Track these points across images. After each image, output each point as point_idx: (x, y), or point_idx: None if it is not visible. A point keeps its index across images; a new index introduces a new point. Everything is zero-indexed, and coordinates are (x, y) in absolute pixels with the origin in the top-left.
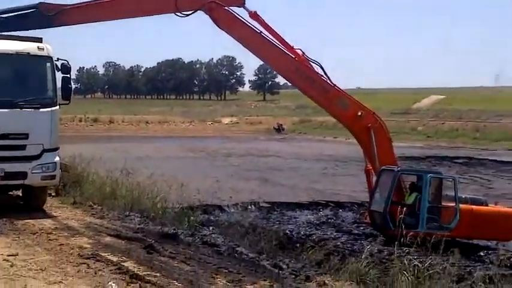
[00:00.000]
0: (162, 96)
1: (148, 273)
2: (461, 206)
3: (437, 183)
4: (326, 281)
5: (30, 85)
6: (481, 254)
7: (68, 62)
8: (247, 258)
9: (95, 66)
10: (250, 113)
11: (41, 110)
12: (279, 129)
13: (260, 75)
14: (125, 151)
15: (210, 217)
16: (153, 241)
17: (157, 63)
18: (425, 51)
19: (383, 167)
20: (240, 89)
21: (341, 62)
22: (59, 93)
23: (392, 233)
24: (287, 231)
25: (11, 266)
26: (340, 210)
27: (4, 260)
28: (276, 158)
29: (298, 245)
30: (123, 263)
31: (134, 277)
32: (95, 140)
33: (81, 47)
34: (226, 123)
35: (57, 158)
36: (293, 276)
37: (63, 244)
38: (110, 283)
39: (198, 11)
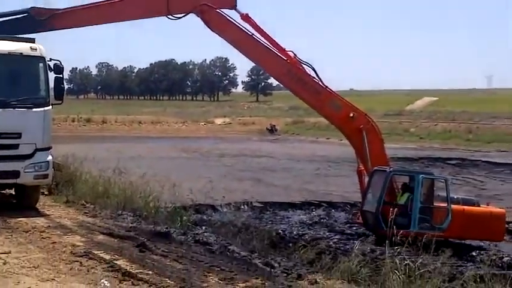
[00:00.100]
0: (155, 97)
1: (141, 271)
2: (453, 206)
3: (429, 184)
4: (317, 280)
5: (23, 85)
6: (473, 254)
7: (60, 62)
8: (239, 256)
9: (88, 66)
10: (243, 113)
11: (34, 109)
12: (272, 130)
13: (253, 77)
14: (118, 151)
15: (203, 217)
16: (145, 239)
17: (150, 64)
18: (419, 53)
19: (375, 168)
20: (233, 90)
21: (334, 63)
22: (52, 93)
23: (385, 233)
24: (279, 231)
25: (4, 263)
26: (333, 210)
27: None
28: (268, 158)
29: (290, 244)
30: (115, 261)
31: (127, 275)
32: (88, 140)
33: (74, 47)
34: (219, 124)
35: (49, 157)
36: (285, 274)
37: (55, 242)
38: (102, 281)
39: (190, 14)
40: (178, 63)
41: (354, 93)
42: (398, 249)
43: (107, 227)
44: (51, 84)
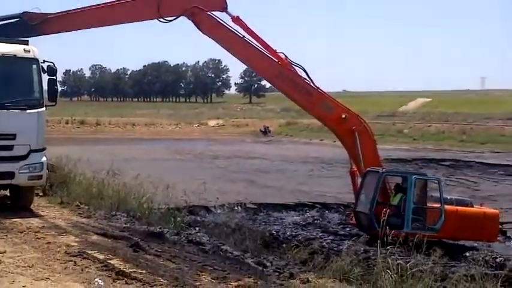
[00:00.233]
0: (148, 99)
1: (134, 270)
2: (447, 207)
3: (422, 185)
4: (309, 278)
5: (17, 87)
6: (467, 254)
7: (53, 64)
8: (232, 256)
9: (81, 69)
10: (236, 115)
11: (28, 111)
12: (265, 131)
13: (246, 78)
14: (112, 153)
15: (197, 218)
16: (139, 240)
17: (144, 66)
18: (412, 55)
19: (368, 169)
20: (226, 91)
21: (327, 65)
22: (46, 95)
23: (378, 234)
24: (273, 232)
25: None
26: (326, 211)
27: None
28: (262, 160)
29: (284, 244)
30: (109, 261)
31: (120, 274)
32: (82, 142)
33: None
34: (213, 126)
35: (44, 159)
36: (277, 273)
37: (50, 242)
38: (96, 280)
39: (181, 16)
40: (171, 65)
41: (347, 94)
42: (390, 249)
43: (101, 227)
44: (45, 86)
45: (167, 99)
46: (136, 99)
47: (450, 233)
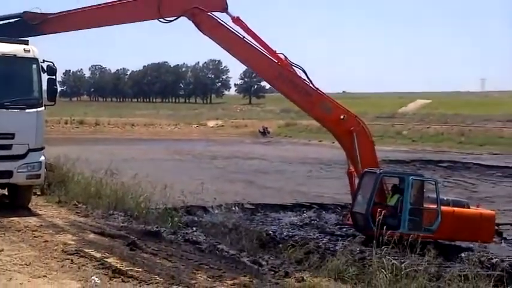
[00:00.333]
0: (148, 100)
1: (131, 268)
2: (443, 208)
3: (419, 186)
4: (304, 277)
5: (17, 86)
6: (462, 255)
7: (53, 64)
8: (228, 255)
9: (81, 69)
10: (236, 116)
11: (27, 110)
12: (265, 132)
13: (246, 79)
14: (111, 153)
15: (194, 218)
16: (136, 238)
17: (143, 66)
18: (412, 56)
19: (365, 170)
20: (226, 92)
21: (327, 66)
22: (45, 94)
23: (374, 234)
24: (269, 232)
25: None
26: (324, 212)
27: None
28: (261, 160)
29: (280, 244)
30: (106, 259)
31: (117, 272)
32: (81, 142)
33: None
34: (212, 126)
35: (42, 158)
36: (272, 272)
37: (47, 241)
38: (93, 277)
39: (181, 17)
40: (171, 65)
41: (346, 95)
42: (385, 249)
43: (98, 226)
44: (44, 85)
45: (167, 100)
46: (135, 100)
47: (446, 234)
